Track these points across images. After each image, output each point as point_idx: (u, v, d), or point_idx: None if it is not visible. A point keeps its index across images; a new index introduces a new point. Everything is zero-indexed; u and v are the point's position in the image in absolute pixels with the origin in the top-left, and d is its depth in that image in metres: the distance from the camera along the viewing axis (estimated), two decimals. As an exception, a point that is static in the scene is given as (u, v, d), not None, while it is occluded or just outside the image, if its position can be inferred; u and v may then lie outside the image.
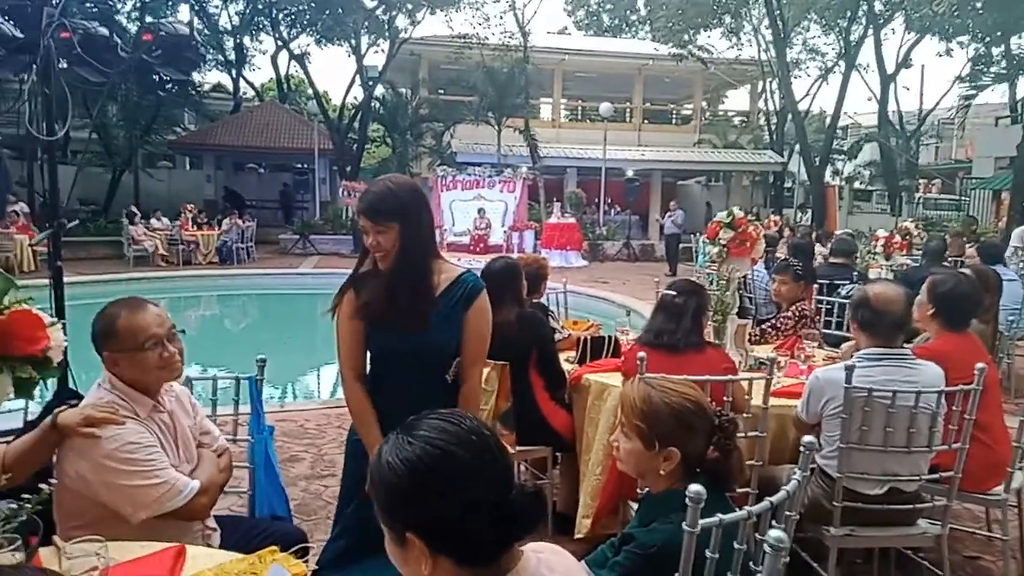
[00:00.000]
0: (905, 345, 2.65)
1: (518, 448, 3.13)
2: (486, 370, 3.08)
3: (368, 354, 2.10)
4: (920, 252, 7.84)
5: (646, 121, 26.75)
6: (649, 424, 1.64)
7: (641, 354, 2.62)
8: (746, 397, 2.70)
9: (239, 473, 2.55)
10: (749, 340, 3.86)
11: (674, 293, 2.97)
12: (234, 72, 26.50)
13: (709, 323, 3.61)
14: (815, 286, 4.88)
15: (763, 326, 4.22)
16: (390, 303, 1.99)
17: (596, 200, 20.76)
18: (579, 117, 30.11)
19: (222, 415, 2.59)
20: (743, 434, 2.63)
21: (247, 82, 28.37)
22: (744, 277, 4.60)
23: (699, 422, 1.64)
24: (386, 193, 1.96)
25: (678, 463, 1.63)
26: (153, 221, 15.94)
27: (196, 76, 24.85)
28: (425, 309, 1.99)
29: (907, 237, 8.99)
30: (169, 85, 22.18)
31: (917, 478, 2.54)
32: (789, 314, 4.15)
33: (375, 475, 1.10)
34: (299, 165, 23.74)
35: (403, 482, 1.06)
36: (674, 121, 29.42)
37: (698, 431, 1.64)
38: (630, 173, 22.15)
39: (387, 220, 1.95)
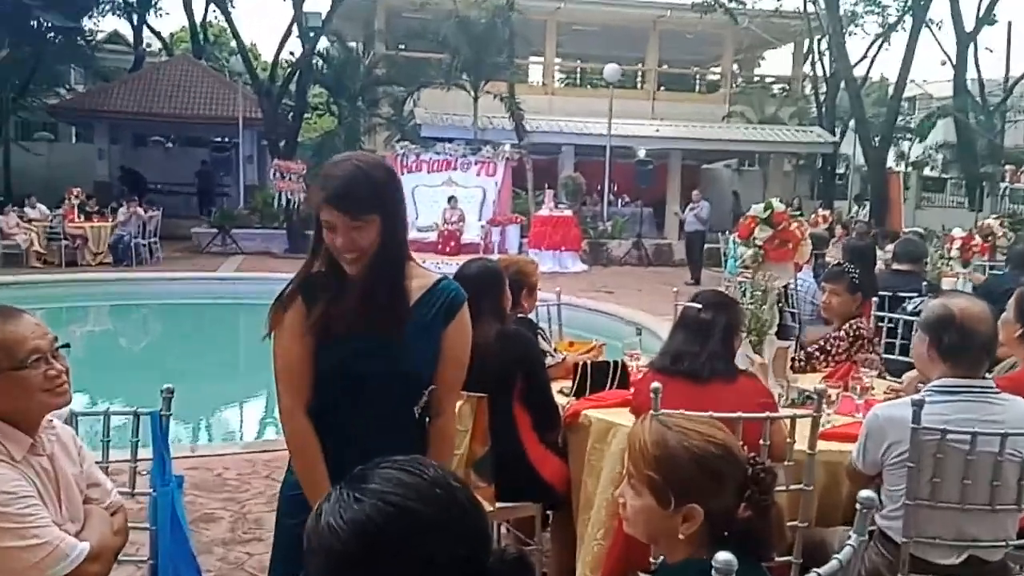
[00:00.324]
0: (985, 375, 2.69)
1: (498, 505, 3.13)
2: (458, 404, 3.08)
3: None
4: (1004, 257, 7.94)
5: (662, 88, 26.98)
6: (664, 474, 1.64)
7: (655, 384, 2.63)
8: (788, 440, 2.72)
9: (137, 537, 2.52)
10: (792, 367, 3.89)
11: (699, 306, 2.99)
12: (136, 18, 26.34)
13: (742, 345, 3.64)
14: (874, 299, 4.93)
15: (809, 349, 4.26)
16: (367, 316, 2.01)
17: (599, 187, 20.85)
18: (578, 82, 30.27)
19: (116, 461, 2.56)
20: (784, 487, 2.65)
21: (152, 31, 28.27)
22: (785, 287, 4.64)
23: (728, 471, 1.65)
24: (359, 176, 1.96)
25: (701, 524, 1.63)
26: (27, 209, 15.76)
27: (87, 22, 24.77)
28: (403, 320, 2.02)
29: (989, 238, 9.11)
30: (51, 34, 22.05)
31: (1003, 544, 2.56)
32: (842, 334, 4.19)
33: (313, 540, 1.11)
34: (218, 139, 23.67)
35: (348, 547, 1.07)
36: (698, 88, 29.68)
37: (726, 483, 1.64)
38: (642, 153, 22.29)
39: (366, 212, 1.95)
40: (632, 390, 3.31)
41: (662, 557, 1.74)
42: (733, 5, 23.23)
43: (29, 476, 1.89)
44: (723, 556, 1.42)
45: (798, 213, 3.76)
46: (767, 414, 2.70)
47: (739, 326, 3.09)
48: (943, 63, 25.19)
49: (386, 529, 1.07)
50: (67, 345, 2.03)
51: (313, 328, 2.02)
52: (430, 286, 2.09)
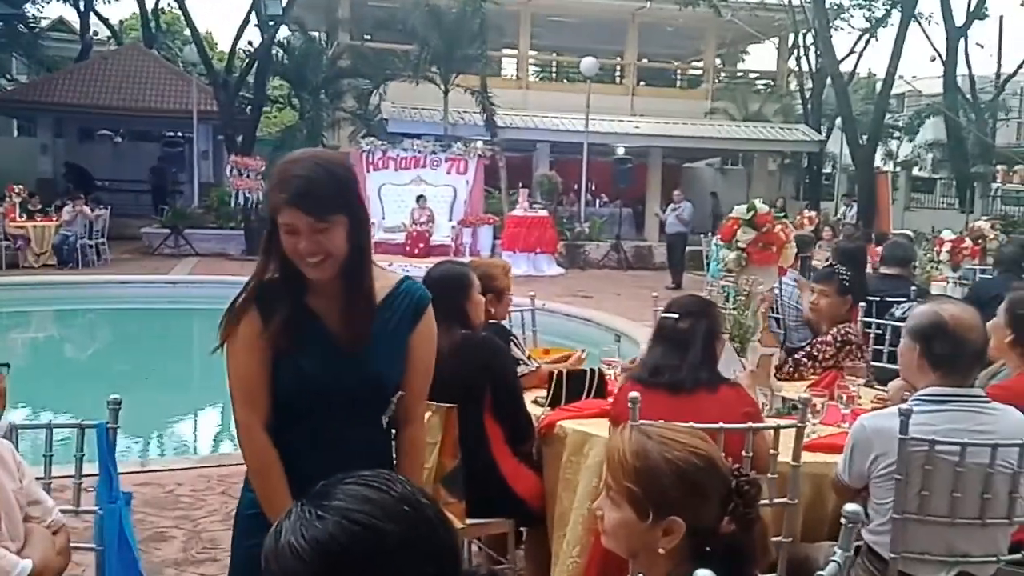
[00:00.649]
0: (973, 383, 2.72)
1: (469, 521, 3.13)
2: (427, 414, 3.07)
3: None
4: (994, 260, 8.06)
5: (642, 83, 27.10)
6: (644, 487, 1.65)
7: (633, 393, 2.64)
8: (771, 452, 2.74)
9: (82, 558, 2.49)
10: (778, 375, 3.92)
11: (675, 316, 3.00)
12: (83, 4, 26.05)
13: (728, 351, 3.67)
14: (861, 304, 4.99)
15: (797, 355, 4.30)
16: (338, 325, 2.01)
17: (576, 186, 20.90)
18: (553, 76, 30.32)
19: (59, 477, 2.53)
20: (768, 501, 2.67)
21: (100, 18, 27.97)
22: (770, 291, 4.69)
23: (710, 484, 1.66)
24: (321, 174, 1.93)
25: (682, 539, 1.64)
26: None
27: (30, 8, 24.48)
28: (368, 326, 2.02)
29: (980, 240, 9.26)
30: (-9, 20, 21.75)
31: (994, 559, 2.59)
32: (829, 339, 4.23)
33: (271, 561, 1.11)
34: (171, 133, 23.44)
35: (311, 569, 1.08)
36: (679, 84, 29.83)
37: (709, 496, 1.65)
38: (621, 151, 22.40)
39: (331, 213, 1.92)
40: (611, 400, 3.32)
41: (641, 574, 1.75)
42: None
43: None
44: (705, 573, 1.43)
45: (782, 215, 3.79)
46: (749, 424, 2.72)
47: (720, 331, 3.11)
48: (933, 59, 25.57)
49: (351, 549, 1.07)
50: (6, 365, 2.00)
51: (272, 340, 2.01)
52: (392, 287, 2.08)
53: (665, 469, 1.64)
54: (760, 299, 4.00)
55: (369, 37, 23.76)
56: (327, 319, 2.04)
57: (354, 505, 1.10)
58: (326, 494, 1.13)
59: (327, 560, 1.07)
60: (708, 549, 1.65)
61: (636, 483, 1.65)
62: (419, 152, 18.21)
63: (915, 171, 27.60)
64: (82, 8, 26.33)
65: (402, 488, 1.14)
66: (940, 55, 24.68)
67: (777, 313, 5.73)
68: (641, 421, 2.60)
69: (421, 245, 16.72)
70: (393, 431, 2.14)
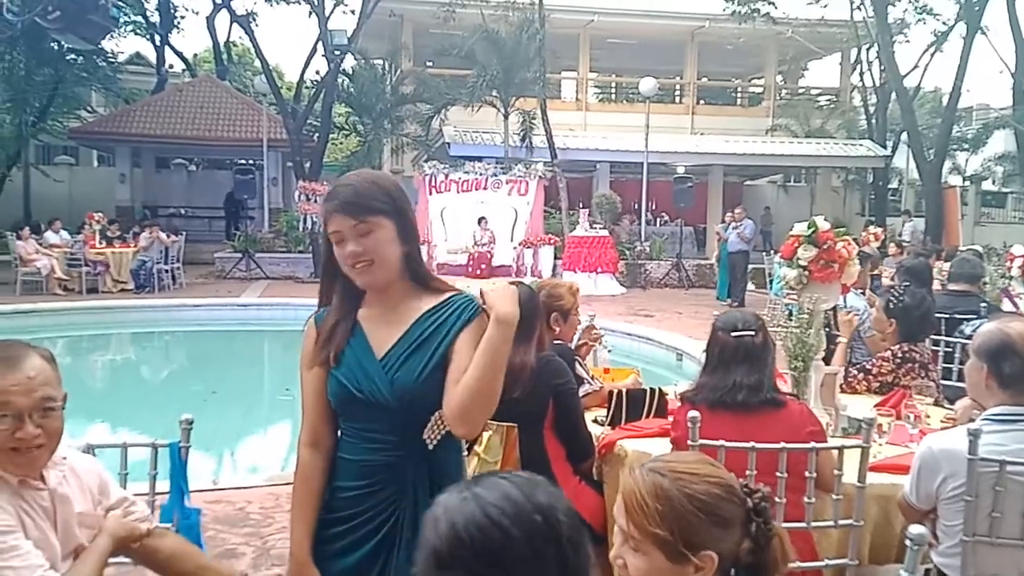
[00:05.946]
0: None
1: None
2: (487, 434, 3.09)
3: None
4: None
5: (702, 102, 26.96)
6: (671, 528, 1.57)
7: (693, 413, 2.62)
8: (836, 472, 2.69)
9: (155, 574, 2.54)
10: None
11: (752, 332, 2.95)
12: (158, 38, 26.92)
13: (787, 372, 3.62)
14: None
15: (850, 368, 4.23)
16: (379, 330, 2.06)
17: (636, 206, 20.83)
18: (613, 97, 30.35)
19: (135, 495, 2.59)
20: (833, 523, 2.62)
21: (175, 52, 28.90)
22: (833, 310, 4.61)
23: (732, 510, 1.59)
24: (364, 182, 2.02)
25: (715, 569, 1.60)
26: (49, 235, 16.07)
27: (108, 43, 25.38)
28: (400, 328, 2.08)
29: (1054, 255, 8.95)
30: (71, 56, 22.61)
31: (1069, 582, 2.52)
32: (888, 355, 4.15)
33: (425, 524, 1.20)
34: (242, 161, 24.09)
35: (438, 545, 1.15)
36: (739, 101, 29.59)
37: (732, 522, 1.59)
38: (681, 170, 22.28)
39: (372, 214, 1.97)
40: (671, 420, 3.28)
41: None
42: (776, 14, 23.09)
43: (20, 509, 1.89)
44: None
45: (843, 232, 3.72)
46: (813, 444, 2.68)
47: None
48: (1001, 71, 24.91)
49: (473, 538, 1.14)
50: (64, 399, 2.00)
51: (318, 353, 2.08)
52: (441, 299, 2.07)
53: (689, 508, 1.57)
54: (846, 320, 4.02)
55: (431, 63, 24.11)
56: (368, 328, 2.07)
57: (493, 499, 1.17)
58: (482, 481, 1.21)
59: (451, 544, 1.14)
60: (732, 571, 1.60)
61: (662, 527, 1.57)
62: (480, 175, 18.37)
63: (985, 185, 26.87)
64: (158, 42, 27.25)
65: (544, 498, 1.20)
66: (1008, 67, 24.03)
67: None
68: (702, 441, 2.59)
69: (483, 266, 16.83)
70: (453, 455, 2.12)
